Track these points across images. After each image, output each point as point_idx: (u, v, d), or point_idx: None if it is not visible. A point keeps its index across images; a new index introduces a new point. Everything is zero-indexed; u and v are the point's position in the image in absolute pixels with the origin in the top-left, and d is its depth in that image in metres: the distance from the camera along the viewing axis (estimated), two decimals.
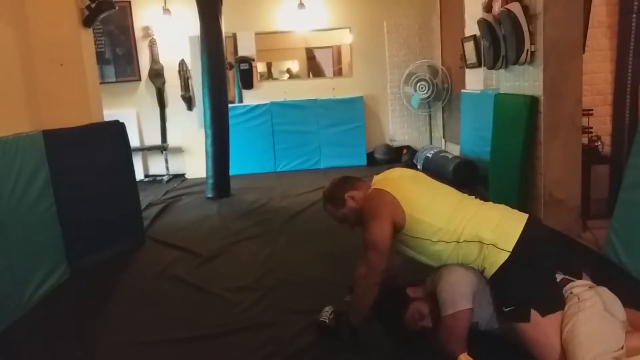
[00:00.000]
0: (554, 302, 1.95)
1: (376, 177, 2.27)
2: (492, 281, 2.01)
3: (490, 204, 2.20)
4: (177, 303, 2.97)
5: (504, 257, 1.95)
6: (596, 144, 3.82)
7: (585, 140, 3.76)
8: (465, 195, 2.23)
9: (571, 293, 1.97)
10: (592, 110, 3.82)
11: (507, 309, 1.96)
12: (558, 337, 1.88)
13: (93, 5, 3.79)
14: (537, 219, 2.19)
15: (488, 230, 1.99)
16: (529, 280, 1.96)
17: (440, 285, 2.03)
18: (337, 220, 2.34)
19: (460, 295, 1.97)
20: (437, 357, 2.06)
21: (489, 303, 2.06)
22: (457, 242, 2.02)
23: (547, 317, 1.90)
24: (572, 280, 2.03)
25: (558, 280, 2.05)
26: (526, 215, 2.08)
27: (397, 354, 2.20)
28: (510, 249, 1.94)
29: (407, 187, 2.15)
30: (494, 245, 1.96)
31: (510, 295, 1.97)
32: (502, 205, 2.18)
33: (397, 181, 2.19)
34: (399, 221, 2.06)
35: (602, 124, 4.04)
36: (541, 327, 1.90)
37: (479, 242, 1.99)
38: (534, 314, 1.90)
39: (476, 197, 2.23)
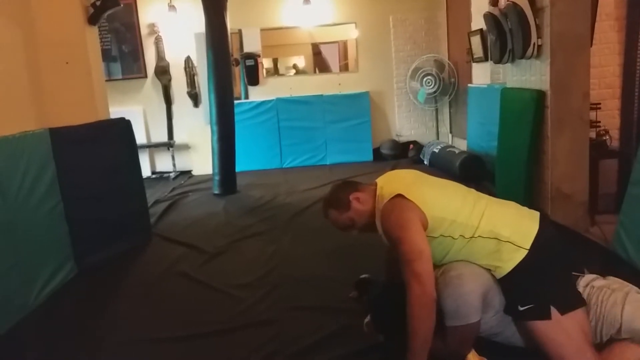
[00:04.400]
0: (574, 299, 1.89)
1: (380, 183, 2.13)
2: (505, 280, 1.93)
3: (499, 199, 2.13)
4: (183, 300, 2.98)
5: (521, 255, 1.88)
6: (604, 138, 3.79)
7: (593, 135, 3.72)
8: (472, 189, 2.16)
9: (593, 287, 1.93)
10: (600, 104, 3.78)
11: (524, 307, 1.87)
12: (581, 336, 1.82)
13: (98, 3, 3.80)
14: (547, 216, 2.13)
15: (505, 226, 1.92)
16: (548, 277, 1.91)
17: (449, 292, 1.89)
18: (341, 227, 2.18)
19: (472, 308, 1.87)
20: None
21: (494, 310, 1.99)
22: (473, 237, 1.92)
23: (567, 315, 1.83)
24: (581, 275, 2.00)
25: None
26: (538, 213, 2.03)
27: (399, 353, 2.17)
28: (528, 247, 1.88)
29: (419, 188, 2.02)
30: (511, 242, 1.89)
31: (528, 293, 1.89)
32: (512, 202, 2.13)
33: (407, 184, 2.04)
34: (423, 223, 1.92)
35: (610, 117, 4.00)
36: (562, 326, 1.83)
37: (495, 238, 1.90)
38: (554, 312, 1.83)
39: (481, 192, 2.17)
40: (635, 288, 1.89)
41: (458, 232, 1.94)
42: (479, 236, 1.92)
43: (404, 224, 1.89)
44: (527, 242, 1.89)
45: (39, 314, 2.91)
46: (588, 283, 1.96)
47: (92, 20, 3.84)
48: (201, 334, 2.51)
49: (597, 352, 1.82)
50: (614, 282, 1.96)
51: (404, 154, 7.05)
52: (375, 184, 2.14)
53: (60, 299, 3.11)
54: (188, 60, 7.04)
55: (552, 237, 1.98)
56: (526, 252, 1.88)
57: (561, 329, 1.83)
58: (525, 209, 2.09)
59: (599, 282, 1.95)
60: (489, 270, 1.96)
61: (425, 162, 6.42)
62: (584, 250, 3.18)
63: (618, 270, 2.82)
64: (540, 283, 1.89)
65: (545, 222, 1.99)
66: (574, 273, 2.03)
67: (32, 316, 2.87)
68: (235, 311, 2.73)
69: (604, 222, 3.52)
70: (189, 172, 7.17)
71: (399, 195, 1.94)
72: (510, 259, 1.89)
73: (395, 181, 2.10)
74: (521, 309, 1.89)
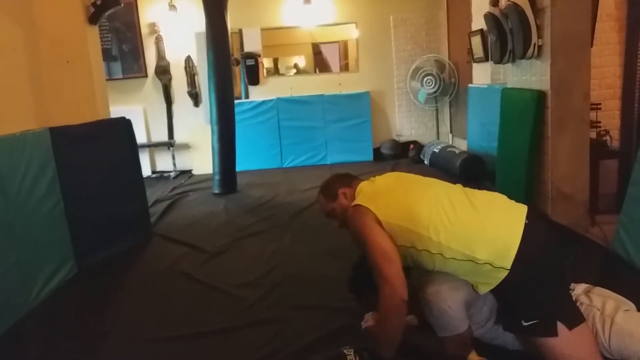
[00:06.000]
0: (577, 314, 1.84)
1: (360, 185, 2.13)
2: (497, 294, 1.89)
3: (480, 202, 1.91)
4: (183, 299, 2.98)
5: (502, 274, 1.77)
6: (605, 138, 3.79)
7: (593, 135, 3.73)
8: (456, 191, 1.99)
9: (582, 304, 1.91)
10: (600, 104, 3.78)
11: (528, 323, 1.79)
12: (592, 349, 1.78)
13: (98, 3, 3.80)
14: (536, 213, 1.96)
15: (480, 249, 1.77)
16: (545, 291, 1.80)
17: (430, 311, 1.88)
18: (325, 214, 2.24)
19: (456, 321, 1.87)
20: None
21: (478, 324, 2.00)
22: (443, 256, 1.82)
23: (574, 330, 1.76)
24: (570, 291, 1.98)
25: None
26: (524, 212, 1.87)
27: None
28: (509, 267, 1.75)
29: (380, 196, 1.99)
30: (489, 264, 1.77)
31: (530, 307, 1.81)
32: (497, 202, 1.96)
33: (372, 192, 2.04)
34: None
35: (610, 118, 4.00)
36: (572, 341, 1.76)
37: (470, 260, 1.79)
38: (561, 327, 1.75)
39: (470, 190, 2.01)
40: (623, 305, 1.85)
41: (420, 244, 1.86)
42: (452, 258, 1.81)
43: (365, 228, 1.90)
44: (507, 262, 1.75)
45: (39, 313, 2.91)
46: (576, 299, 1.93)
47: (93, 19, 3.84)
48: (202, 333, 2.52)
49: None
50: (600, 297, 1.91)
51: (405, 153, 7.05)
52: (357, 185, 2.15)
53: (61, 298, 3.11)
54: (188, 59, 7.04)
55: (537, 250, 1.81)
56: (507, 271, 1.76)
57: (571, 345, 1.77)
58: (510, 210, 1.91)
59: (586, 299, 1.92)
60: (472, 285, 1.89)
61: (426, 162, 6.43)
62: (584, 251, 3.18)
63: (618, 270, 2.84)
64: (540, 297, 1.80)
65: (530, 226, 1.81)
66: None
67: (32, 315, 2.87)
68: (236, 310, 2.73)
69: (605, 222, 3.52)
70: (189, 171, 7.18)
71: (357, 205, 1.97)
72: (492, 277, 1.80)
73: (368, 187, 2.09)
74: (525, 324, 1.80)
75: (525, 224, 1.81)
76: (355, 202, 2.01)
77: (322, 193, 2.24)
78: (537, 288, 1.80)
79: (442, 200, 1.91)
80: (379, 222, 1.91)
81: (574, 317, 1.81)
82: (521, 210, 1.89)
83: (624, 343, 1.77)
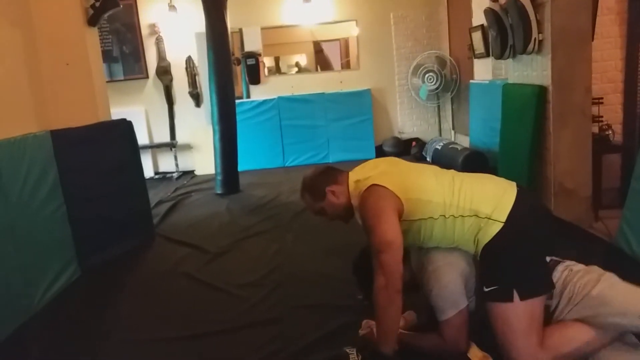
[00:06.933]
0: (538, 285, 1.87)
1: (352, 176, 2.11)
2: (480, 258, 1.94)
3: (472, 174, 2.10)
4: (186, 300, 2.99)
5: (497, 228, 1.86)
6: (607, 132, 3.77)
7: (595, 129, 3.71)
8: (446, 170, 2.15)
9: (571, 270, 1.93)
10: (602, 98, 3.77)
11: (489, 289, 1.87)
12: (533, 321, 1.81)
13: (97, 4, 3.80)
14: (526, 189, 2.10)
15: (483, 203, 1.90)
16: (518, 256, 1.88)
17: (431, 288, 1.95)
18: (313, 212, 2.24)
19: (456, 295, 1.93)
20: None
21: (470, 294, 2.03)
22: (454, 216, 1.92)
23: (526, 301, 1.80)
24: (561, 261, 1.99)
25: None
26: (514, 184, 2.00)
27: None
28: (504, 220, 1.86)
29: (391, 174, 2.02)
30: (488, 217, 1.88)
31: (494, 273, 1.89)
32: (487, 175, 2.11)
33: (380, 173, 2.04)
34: (399, 210, 1.94)
35: (612, 112, 3.98)
36: (519, 311, 1.81)
37: (475, 216, 1.90)
38: (515, 295, 1.81)
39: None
40: (614, 275, 1.88)
41: (438, 212, 1.93)
42: (460, 215, 1.91)
43: (377, 213, 1.91)
44: (503, 214, 1.87)
45: (42, 316, 2.91)
46: (567, 267, 1.96)
47: (92, 21, 3.84)
48: (204, 333, 2.52)
49: (542, 332, 1.84)
50: (594, 269, 1.94)
51: (407, 151, 7.03)
52: (347, 177, 2.13)
53: (64, 301, 3.11)
54: (189, 60, 7.04)
55: (530, 207, 1.96)
56: (501, 225, 1.86)
57: (518, 314, 1.81)
58: (502, 180, 2.06)
59: (579, 266, 1.96)
60: (466, 252, 1.98)
61: (428, 159, 6.41)
62: (588, 246, 3.16)
63: (621, 265, 2.82)
64: (508, 262, 1.88)
65: (523, 193, 1.96)
66: (554, 258, 2.01)
67: (35, 318, 2.88)
68: (239, 310, 2.74)
69: (608, 217, 3.50)
70: (192, 172, 7.19)
71: (374, 185, 1.96)
72: (486, 233, 1.88)
73: (369, 171, 2.08)
74: (486, 290, 1.88)
75: (518, 190, 1.96)
76: (370, 183, 1.98)
77: (308, 193, 2.20)
78: (513, 252, 1.88)
79: (444, 173, 2.07)
80: (398, 200, 1.92)
81: (532, 289, 1.85)
82: (511, 182, 2.04)
83: (607, 292, 1.79)
